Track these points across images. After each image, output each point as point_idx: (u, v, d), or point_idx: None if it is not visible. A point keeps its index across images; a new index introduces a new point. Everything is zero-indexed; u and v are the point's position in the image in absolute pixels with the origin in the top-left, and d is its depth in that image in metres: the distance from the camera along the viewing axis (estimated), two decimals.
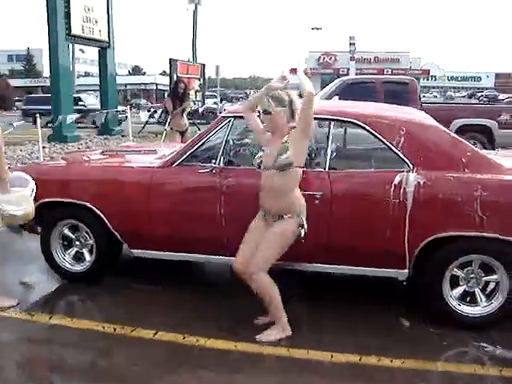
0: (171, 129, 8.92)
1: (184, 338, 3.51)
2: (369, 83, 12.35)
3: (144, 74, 74.95)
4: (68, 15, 14.64)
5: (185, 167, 4.03)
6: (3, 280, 4.35)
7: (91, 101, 23.74)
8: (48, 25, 14.19)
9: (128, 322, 3.71)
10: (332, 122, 3.82)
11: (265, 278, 3.36)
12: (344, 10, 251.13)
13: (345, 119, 3.85)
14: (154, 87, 59.75)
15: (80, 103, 23.48)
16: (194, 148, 4.03)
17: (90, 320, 3.79)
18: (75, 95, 27.70)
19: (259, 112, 3.40)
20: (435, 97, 57.22)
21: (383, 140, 3.67)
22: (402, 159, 3.63)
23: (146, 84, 58.55)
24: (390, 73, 40.18)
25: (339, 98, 11.28)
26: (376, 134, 3.69)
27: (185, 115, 8.87)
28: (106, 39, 16.87)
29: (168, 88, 62.25)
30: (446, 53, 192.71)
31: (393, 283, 3.95)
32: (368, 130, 3.72)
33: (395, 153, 3.65)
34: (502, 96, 44.76)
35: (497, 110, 10.96)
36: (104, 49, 17.00)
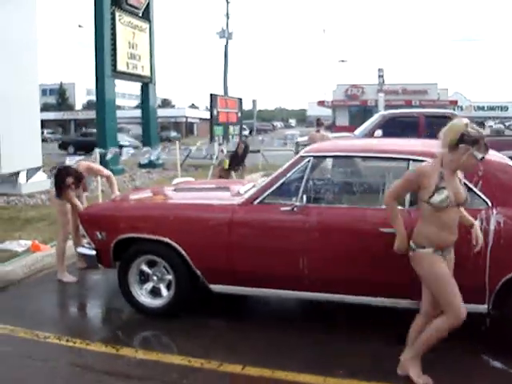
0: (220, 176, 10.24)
1: (273, 372, 3.60)
2: (410, 117, 12.45)
3: (173, 106, 76.26)
4: (114, 52, 15.20)
5: (266, 205, 4.19)
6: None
7: None
8: (96, 61, 14.76)
9: (213, 357, 3.82)
10: (410, 162, 3.93)
11: None
12: (370, 43, 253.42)
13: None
14: (184, 120, 60.71)
15: None
16: (275, 186, 4.21)
17: (174, 354, 3.92)
18: None
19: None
20: None
21: (463, 180, 3.78)
22: (482, 198, 3.75)
23: (176, 117, 59.52)
24: (418, 104, 40.26)
25: (382, 133, 11.46)
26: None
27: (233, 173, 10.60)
28: (149, 74, 17.37)
29: (197, 120, 62.45)
30: (471, 83, 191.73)
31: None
32: None
33: (474, 192, 3.76)
34: None
35: None
36: (146, 84, 17.49)
